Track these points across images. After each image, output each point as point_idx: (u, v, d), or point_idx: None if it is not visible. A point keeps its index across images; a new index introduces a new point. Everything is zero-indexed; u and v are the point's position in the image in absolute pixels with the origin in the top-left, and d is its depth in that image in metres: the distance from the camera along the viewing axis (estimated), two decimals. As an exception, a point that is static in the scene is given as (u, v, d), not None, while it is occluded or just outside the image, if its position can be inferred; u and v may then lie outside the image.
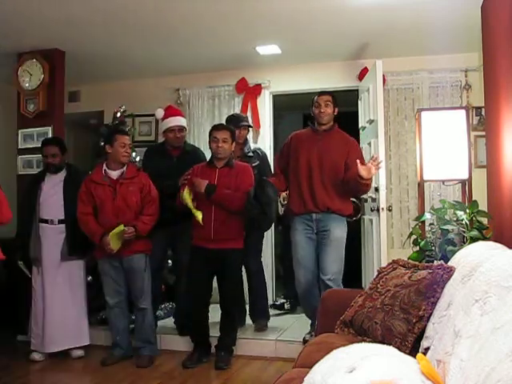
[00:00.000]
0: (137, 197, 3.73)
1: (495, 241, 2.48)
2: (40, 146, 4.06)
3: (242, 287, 3.96)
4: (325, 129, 3.74)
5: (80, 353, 3.92)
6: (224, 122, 5.24)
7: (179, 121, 4.13)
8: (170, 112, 4.22)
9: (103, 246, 3.62)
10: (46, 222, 3.88)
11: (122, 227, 3.59)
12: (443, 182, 3.49)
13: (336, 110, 3.75)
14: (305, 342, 3.69)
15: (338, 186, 3.64)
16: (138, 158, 4.56)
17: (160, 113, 4.19)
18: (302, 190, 3.68)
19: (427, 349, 1.81)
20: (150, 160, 4.18)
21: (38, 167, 4.43)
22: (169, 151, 4.16)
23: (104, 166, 3.76)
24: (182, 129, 4.13)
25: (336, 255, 3.64)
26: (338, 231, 3.67)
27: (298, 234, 3.73)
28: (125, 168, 3.77)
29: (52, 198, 3.88)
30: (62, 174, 3.96)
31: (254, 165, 4.08)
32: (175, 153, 4.15)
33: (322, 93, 3.81)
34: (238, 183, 3.61)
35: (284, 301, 4.93)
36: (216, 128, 3.69)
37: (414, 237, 3.09)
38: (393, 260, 2.48)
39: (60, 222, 3.88)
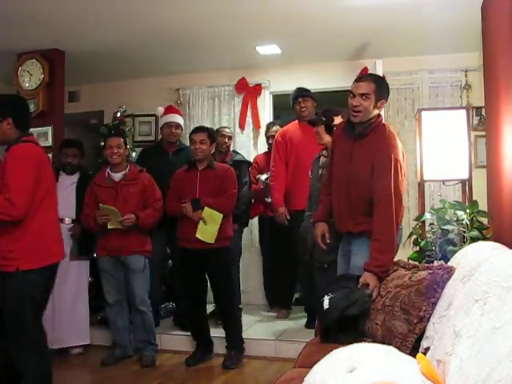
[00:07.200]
0: (138, 198, 3.73)
1: (495, 241, 2.48)
2: (60, 146, 4.12)
3: (233, 284, 3.89)
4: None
5: (78, 350, 3.96)
6: (223, 122, 5.29)
7: (176, 118, 4.39)
8: (169, 110, 4.49)
9: (100, 219, 3.60)
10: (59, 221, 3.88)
11: (115, 209, 3.58)
12: (443, 181, 3.48)
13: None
14: None
15: None
16: (138, 158, 4.57)
17: (160, 111, 4.47)
18: None
19: (427, 349, 1.81)
20: (144, 160, 4.26)
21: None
22: (165, 148, 4.35)
23: (108, 169, 3.79)
24: (178, 126, 4.35)
25: None
26: None
27: None
28: (127, 170, 3.78)
29: (66, 198, 3.85)
30: (76, 176, 4.01)
31: None
32: (170, 149, 4.33)
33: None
34: (221, 186, 3.65)
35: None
36: (193, 131, 3.79)
37: (414, 237, 3.09)
38: (393, 262, 2.48)
39: (72, 221, 3.92)
